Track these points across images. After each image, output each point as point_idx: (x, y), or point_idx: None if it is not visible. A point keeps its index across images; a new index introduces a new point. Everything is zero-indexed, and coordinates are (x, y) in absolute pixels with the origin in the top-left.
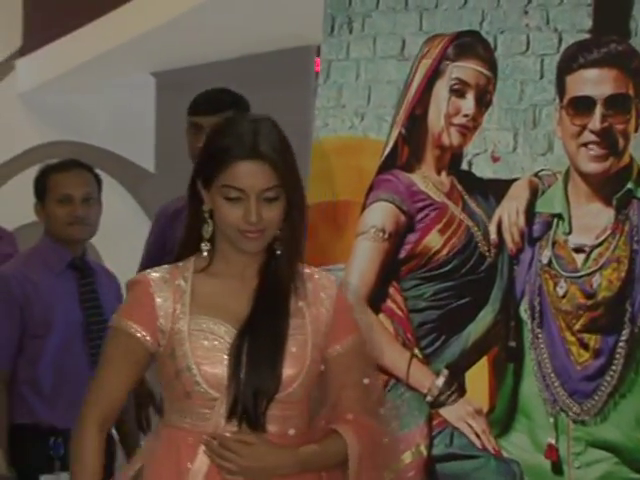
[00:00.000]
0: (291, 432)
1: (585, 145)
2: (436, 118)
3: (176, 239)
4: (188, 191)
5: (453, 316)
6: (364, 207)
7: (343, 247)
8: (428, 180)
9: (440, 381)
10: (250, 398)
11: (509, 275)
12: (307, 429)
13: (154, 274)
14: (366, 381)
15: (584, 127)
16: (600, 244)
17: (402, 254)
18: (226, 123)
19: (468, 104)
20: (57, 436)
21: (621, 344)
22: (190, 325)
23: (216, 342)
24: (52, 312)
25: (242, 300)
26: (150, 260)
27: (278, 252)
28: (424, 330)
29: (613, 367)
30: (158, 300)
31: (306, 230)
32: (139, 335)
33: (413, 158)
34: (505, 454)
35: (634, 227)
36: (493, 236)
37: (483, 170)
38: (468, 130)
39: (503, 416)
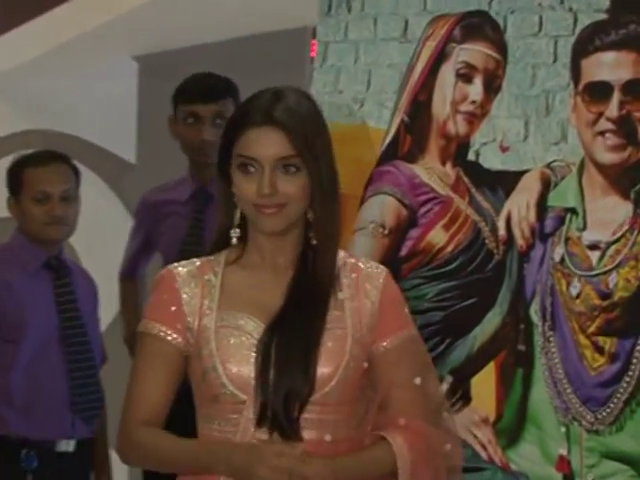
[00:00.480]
0: (327, 438)
1: (601, 134)
2: (441, 105)
3: (161, 235)
4: (217, 171)
5: (458, 318)
6: (363, 201)
7: (341, 244)
8: (432, 172)
9: (444, 388)
10: (280, 402)
11: (518, 274)
12: (351, 435)
13: (180, 268)
14: (417, 381)
15: (600, 114)
16: (617, 240)
17: (403, 251)
18: (253, 94)
19: (476, 90)
20: (30, 449)
21: (638, 347)
22: (217, 321)
23: (243, 338)
24: (25, 315)
25: (275, 293)
26: (135, 254)
27: (314, 242)
28: (427, 333)
29: (630, 372)
30: (184, 296)
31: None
32: (169, 338)
33: (416, 148)
34: (513, 466)
35: None
36: (502, 232)
37: (491, 161)
38: (475, 118)
39: (511, 425)
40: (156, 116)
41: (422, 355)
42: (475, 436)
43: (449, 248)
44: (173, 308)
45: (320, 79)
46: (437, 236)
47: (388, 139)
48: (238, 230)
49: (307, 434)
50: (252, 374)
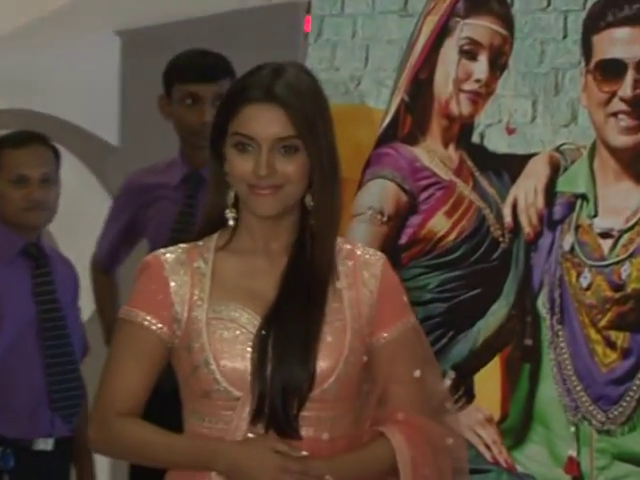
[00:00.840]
0: (325, 436)
1: (614, 115)
2: (443, 83)
3: (148, 220)
4: (210, 149)
5: (461, 310)
6: (360, 185)
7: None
8: (434, 154)
9: (446, 384)
10: (279, 398)
11: (525, 264)
12: (349, 432)
13: (168, 255)
14: (417, 374)
15: (613, 94)
16: (630, 228)
17: (403, 239)
18: (252, 69)
19: (480, 67)
20: (6, 447)
21: None
22: (208, 313)
23: (238, 332)
24: (0, 306)
25: (269, 282)
26: (114, 242)
27: (312, 223)
28: (428, 326)
29: None
30: (173, 285)
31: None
32: (154, 328)
33: (417, 129)
34: (519, 468)
35: None
36: (508, 219)
37: (497, 143)
38: (480, 97)
39: (517, 425)
40: (140, 95)
41: (422, 346)
42: (479, 436)
43: (452, 236)
44: (160, 297)
45: (315, 55)
46: (439, 223)
47: (387, 120)
48: (235, 210)
49: (304, 432)
50: (248, 370)
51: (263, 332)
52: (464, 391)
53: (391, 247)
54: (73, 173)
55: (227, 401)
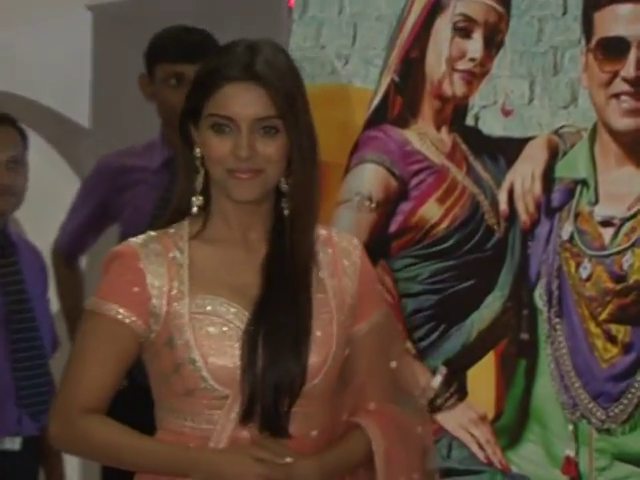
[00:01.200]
0: (314, 433)
1: (616, 96)
2: (436, 63)
3: (123, 205)
4: (179, 134)
5: (454, 302)
6: (347, 170)
7: (322, 218)
8: (425, 138)
9: (437, 381)
10: (271, 396)
11: (522, 253)
12: (329, 427)
13: (143, 244)
14: (393, 364)
15: (615, 74)
16: (633, 216)
17: (393, 227)
18: (223, 46)
19: (475, 46)
20: None
21: None
22: (190, 307)
23: (225, 328)
24: None
25: (249, 273)
26: (82, 227)
27: (286, 212)
28: (419, 319)
29: None
30: (149, 277)
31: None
32: (127, 321)
33: (407, 111)
34: (514, 469)
35: None
36: (503, 206)
37: (492, 126)
38: (474, 77)
39: (512, 424)
40: (114, 74)
41: (395, 332)
42: (472, 435)
43: (444, 224)
44: (136, 289)
45: (299, 32)
46: (431, 210)
47: (376, 101)
48: (201, 198)
49: (292, 429)
50: (237, 367)
51: (252, 328)
52: (456, 388)
53: (380, 235)
54: (42, 157)
55: (212, 400)
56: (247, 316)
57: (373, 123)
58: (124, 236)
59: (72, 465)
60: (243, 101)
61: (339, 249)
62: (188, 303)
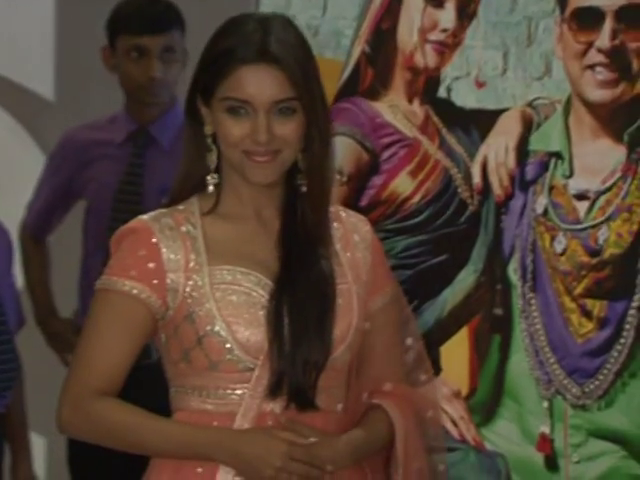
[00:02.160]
0: (339, 407)
1: (591, 67)
2: (407, 33)
3: (88, 180)
4: (185, 111)
5: (426, 277)
6: None
7: None
8: (397, 110)
9: (409, 357)
10: (300, 370)
11: (495, 227)
12: (353, 403)
13: (155, 220)
14: (409, 341)
15: (590, 45)
16: (608, 190)
17: (364, 201)
18: (228, 23)
19: (447, 16)
20: None
21: (632, 312)
22: (211, 278)
23: (247, 297)
24: None
25: (266, 246)
26: (49, 204)
27: (303, 189)
28: None
29: (622, 340)
30: (165, 252)
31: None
32: (143, 296)
33: (379, 83)
34: (488, 446)
35: None
36: (476, 180)
37: (465, 98)
38: (447, 48)
39: (486, 400)
40: (78, 45)
41: (408, 309)
42: (445, 412)
43: (416, 198)
44: (151, 265)
45: (268, 3)
46: (402, 184)
47: (347, 72)
48: (216, 176)
49: (319, 403)
50: (265, 339)
51: (276, 299)
52: (430, 364)
53: (351, 209)
54: (4, 130)
55: (237, 372)
56: (269, 285)
57: (344, 95)
58: (89, 211)
59: (38, 443)
60: (259, 84)
61: (349, 224)
62: (207, 274)
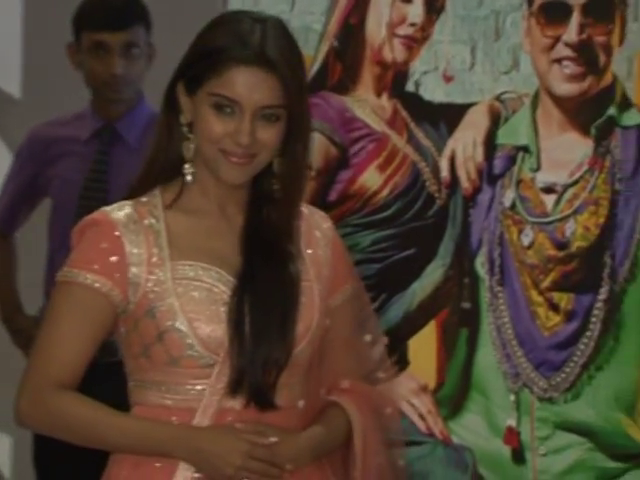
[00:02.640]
0: (300, 404)
1: (558, 61)
2: (376, 28)
3: (53, 177)
4: (164, 97)
5: (395, 271)
6: None
7: None
8: (365, 104)
9: (372, 355)
10: (259, 368)
11: (463, 221)
12: (313, 399)
13: (118, 212)
14: (368, 338)
15: (557, 39)
16: (575, 183)
17: (333, 196)
18: (224, 19)
19: (415, 10)
20: None
21: (598, 305)
22: (173, 273)
23: (209, 293)
24: None
25: (228, 242)
26: (14, 201)
27: (277, 193)
28: None
29: (588, 333)
30: (128, 245)
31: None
32: (105, 289)
33: (347, 77)
34: (455, 439)
35: (616, 162)
36: (444, 173)
37: (433, 92)
38: (415, 43)
39: (453, 394)
40: (45, 42)
41: (369, 306)
42: (413, 405)
43: (384, 192)
44: (113, 258)
45: None
46: (371, 178)
47: (315, 67)
48: (191, 164)
49: (280, 401)
50: (225, 335)
51: (238, 295)
52: (397, 357)
53: (319, 204)
54: None
55: (198, 368)
56: (232, 281)
57: (312, 90)
58: (55, 208)
59: (4, 442)
60: (252, 86)
61: (311, 222)
62: (170, 269)
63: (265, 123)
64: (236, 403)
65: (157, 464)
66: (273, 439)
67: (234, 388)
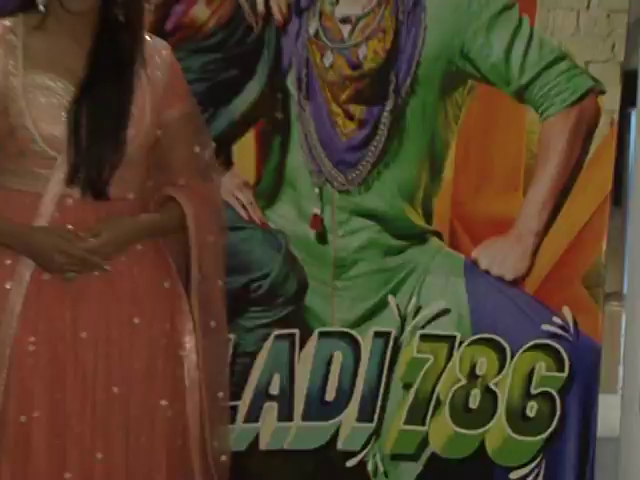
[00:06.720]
0: (130, 196)
1: None
2: None
3: None
4: None
5: (221, 89)
6: None
7: None
8: None
9: (202, 161)
10: (94, 165)
11: (276, 47)
12: (144, 195)
13: None
14: (197, 149)
15: None
16: (366, 15)
17: (169, 26)
18: None
19: None
20: None
21: (385, 114)
22: (24, 82)
23: (54, 100)
24: None
25: (77, 58)
26: None
27: (120, 18)
28: None
29: (377, 137)
30: None
31: None
32: None
33: None
34: (272, 225)
35: None
36: (260, 7)
37: None
38: None
39: (270, 188)
40: None
41: (201, 125)
42: (237, 198)
43: (211, 23)
44: None
45: None
46: (200, 12)
47: None
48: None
49: (112, 191)
50: (64, 134)
51: (77, 101)
52: (223, 159)
53: (159, 32)
54: None
55: (43, 159)
56: (73, 90)
57: None
58: None
59: None
60: None
61: (152, 48)
62: (22, 78)
63: None
64: (74, 192)
65: (7, 261)
66: (92, 239)
67: (72, 179)
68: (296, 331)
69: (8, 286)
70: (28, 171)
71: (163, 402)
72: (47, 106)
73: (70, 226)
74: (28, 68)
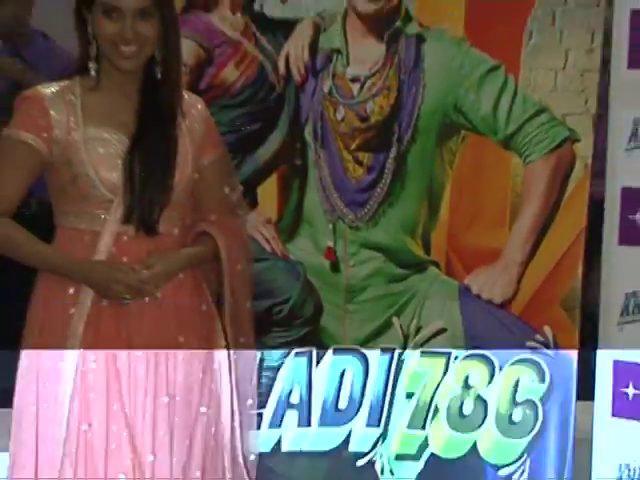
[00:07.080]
0: (175, 232)
1: None
2: None
3: None
4: (74, 14)
5: (247, 139)
6: None
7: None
8: (225, 19)
9: (231, 200)
10: (147, 206)
11: (295, 103)
12: (186, 231)
13: (46, 90)
14: (227, 190)
15: None
16: (373, 75)
17: (202, 85)
18: None
19: None
20: None
21: (389, 161)
22: (84, 135)
23: (111, 150)
24: None
25: (128, 112)
26: None
27: (159, 76)
28: None
29: (383, 180)
30: (53, 113)
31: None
32: (34, 143)
33: (211, 0)
34: (291, 256)
35: (402, 60)
36: (282, 70)
37: (273, 11)
38: None
39: (289, 224)
40: None
41: (232, 169)
42: (261, 233)
43: (239, 83)
44: (41, 121)
45: None
46: (229, 73)
47: None
48: (95, 64)
49: (161, 228)
50: (120, 179)
51: (131, 151)
52: (249, 200)
53: (193, 91)
54: None
55: (101, 202)
56: (127, 142)
57: (186, 9)
58: None
59: None
60: None
61: (188, 102)
62: (82, 132)
63: (143, 21)
64: (129, 230)
65: (70, 290)
66: (144, 271)
67: (127, 219)
68: (313, 348)
69: (71, 311)
70: (87, 212)
71: (202, 409)
72: (105, 156)
73: (125, 259)
74: (87, 123)
